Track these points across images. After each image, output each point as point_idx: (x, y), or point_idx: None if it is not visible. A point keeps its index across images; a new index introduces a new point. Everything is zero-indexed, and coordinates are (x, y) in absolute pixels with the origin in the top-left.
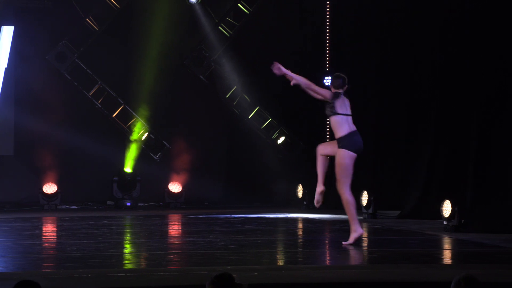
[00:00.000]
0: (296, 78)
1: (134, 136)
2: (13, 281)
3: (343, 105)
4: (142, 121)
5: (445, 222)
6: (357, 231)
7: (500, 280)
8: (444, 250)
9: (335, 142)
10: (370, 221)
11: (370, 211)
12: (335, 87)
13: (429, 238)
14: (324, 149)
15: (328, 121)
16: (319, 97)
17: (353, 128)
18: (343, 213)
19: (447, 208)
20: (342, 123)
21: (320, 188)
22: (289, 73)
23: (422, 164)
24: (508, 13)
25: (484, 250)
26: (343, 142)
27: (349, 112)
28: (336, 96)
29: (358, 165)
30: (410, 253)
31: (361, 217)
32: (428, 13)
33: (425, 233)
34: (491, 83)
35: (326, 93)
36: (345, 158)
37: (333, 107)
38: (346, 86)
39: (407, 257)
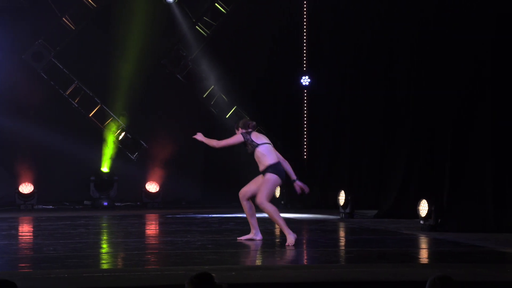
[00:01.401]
0: (209, 143)
1: (111, 135)
2: None
3: (259, 137)
4: (119, 120)
5: (422, 222)
6: (291, 234)
7: (476, 279)
8: (421, 250)
9: (257, 178)
10: (347, 220)
11: (347, 210)
12: (243, 127)
13: (406, 237)
14: (247, 190)
15: (305, 120)
16: (235, 143)
17: (280, 157)
18: (322, 212)
19: (423, 208)
20: (268, 151)
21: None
22: (204, 140)
23: (399, 163)
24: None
25: (460, 249)
26: (271, 169)
27: (268, 140)
28: (247, 133)
29: (335, 164)
30: (387, 252)
31: (338, 217)
32: (405, 11)
33: (402, 233)
34: (468, 83)
35: (237, 137)
36: (271, 178)
37: (251, 142)
38: (254, 129)
39: (384, 257)
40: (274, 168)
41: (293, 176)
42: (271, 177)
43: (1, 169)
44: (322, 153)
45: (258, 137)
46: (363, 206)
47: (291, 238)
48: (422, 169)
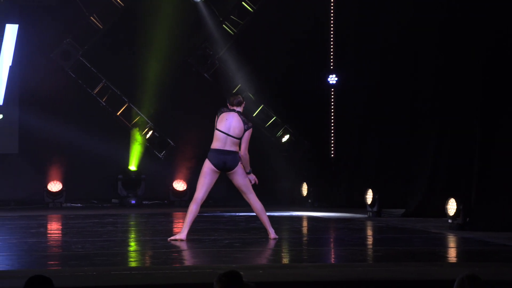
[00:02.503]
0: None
1: (138, 134)
2: (19, 279)
3: (224, 120)
4: (147, 119)
5: (450, 220)
6: (183, 234)
7: (504, 278)
8: (449, 249)
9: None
10: (374, 219)
11: (374, 209)
12: (230, 104)
13: (434, 236)
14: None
15: (333, 119)
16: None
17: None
18: (348, 211)
19: (452, 206)
20: (216, 138)
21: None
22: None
23: (426, 162)
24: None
25: (489, 248)
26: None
27: (230, 127)
28: (220, 111)
29: (362, 163)
30: (415, 251)
31: (365, 215)
32: (430, 9)
33: (429, 231)
34: (496, 81)
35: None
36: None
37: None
38: (238, 105)
39: (411, 255)
40: (210, 153)
41: (247, 169)
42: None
43: (30, 167)
44: (349, 152)
45: (222, 121)
46: (390, 204)
47: (181, 235)
48: (449, 168)
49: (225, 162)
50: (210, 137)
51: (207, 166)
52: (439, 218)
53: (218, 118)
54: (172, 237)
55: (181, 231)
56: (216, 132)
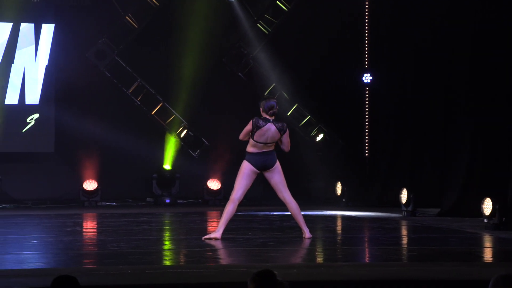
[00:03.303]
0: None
1: (173, 133)
2: (54, 277)
3: (261, 135)
4: (181, 118)
5: (485, 220)
6: (218, 233)
7: None
8: (485, 248)
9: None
10: (409, 218)
11: (409, 208)
12: (265, 112)
13: (469, 236)
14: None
15: (367, 118)
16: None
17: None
18: (383, 210)
19: (487, 206)
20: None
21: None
22: None
23: (461, 161)
24: None
25: None
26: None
27: (266, 141)
28: (255, 124)
29: (397, 162)
30: (450, 251)
31: (400, 215)
32: (465, 8)
33: (465, 231)
34: None
35: (246, 128)
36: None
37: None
38: (274, 110)
39: (447, 255)
40: (248, 156)
41: None
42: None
43: (66, 166)
44: (384, 151)
45: (261, 135)
46: (425, 204)
47: (216, 234)
48: (485, 166)
49: (265, 162)
50: None
51: (247, 167)
52: (474, 217)
53: (256, 130)
54: (207, 236)
55: (216, 230)
56: (254, 142)
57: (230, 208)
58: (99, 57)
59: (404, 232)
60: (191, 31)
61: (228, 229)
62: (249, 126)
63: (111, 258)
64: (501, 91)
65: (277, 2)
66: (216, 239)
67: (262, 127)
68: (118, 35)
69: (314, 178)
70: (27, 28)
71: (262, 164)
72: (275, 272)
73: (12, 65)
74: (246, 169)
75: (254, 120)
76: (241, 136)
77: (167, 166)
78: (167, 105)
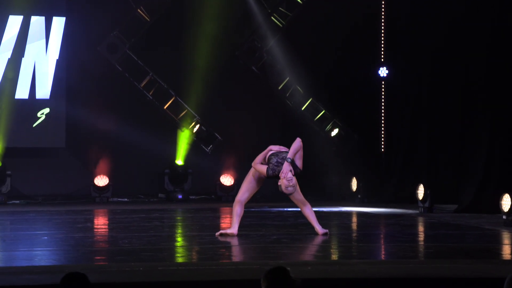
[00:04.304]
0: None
1: (186, 128)
2: (64, 274)
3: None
4: (194, 112)
5: (504, 217)
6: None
7: None
8: (503, 245)
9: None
10: (426, 215)
11: (426, 204)
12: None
13: (488, 232)
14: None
15: (383, 113)
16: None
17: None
18: (399, 207)
19: (506, 202)
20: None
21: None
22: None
23: (479, 156)
24: None
25: None
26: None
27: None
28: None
29: (413, 157)
30: (468, 248)
31: (416, 211)
32: (483, 4)
33: (483, 228)
34: None
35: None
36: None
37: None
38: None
39: (464, 252)
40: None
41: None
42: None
43: (77, 162)
44: (400, 146)
45: (272, 160)
46: (442, 200)
47: (232, 230)
48: (504, 162)
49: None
50: (258, 131)
51: (256, 173)
52: (493, 214)
53: (267, 155)
54: (223, 231)
55: (231, 226)
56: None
57: (237, 210)
58: (110, 51)
59: (420, 228)
60: (204, 24)
61: (241, 226)
62: (262, 169)
63: (122, 255)
64: None
65: None
66: (233, 235)
67: (274, 160)
68: (130, 28)
69: (329, 173)
70: (37, 21)
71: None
72: (288, 269)
73: (23, 59)
74: (256, 174)
75: (269, 173)
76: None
77: (179, 161)
78: (180, 100)
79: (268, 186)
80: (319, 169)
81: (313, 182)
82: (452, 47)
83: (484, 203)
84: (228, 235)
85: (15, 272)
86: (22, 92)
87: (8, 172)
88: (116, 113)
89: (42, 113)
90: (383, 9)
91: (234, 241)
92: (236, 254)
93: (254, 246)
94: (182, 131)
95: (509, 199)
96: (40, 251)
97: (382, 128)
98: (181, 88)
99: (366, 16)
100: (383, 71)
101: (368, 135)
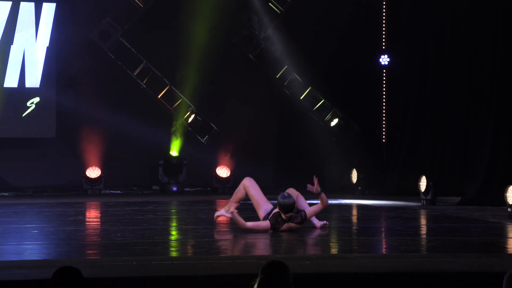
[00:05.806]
0: (238, 222)
1: (180, 118)
2: (56, 268)
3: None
4: (189, 102)
5: (509, 209)
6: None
7: None
8: (508, 239)
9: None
10: (429, 207)
11: (429, 197)
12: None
13: (492, 226)
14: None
15: (384, 102)
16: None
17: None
18: (401, 199)
19: (511, 195)
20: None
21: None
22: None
23: (484, 148)
24: None
25: None
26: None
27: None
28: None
29: (416, 149)
30: (472, 241)
31: (419, 204)
32: None
33: (487, 221)
34: None
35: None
36: None
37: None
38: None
39: (468, 246)
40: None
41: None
42: None
43: (68, 152)
44: (402, 137)
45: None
46: (445, 192)
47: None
48: (508, 154)
49: None
50: (255, 121)
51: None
52: (497, 206)
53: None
54: (219, 213)
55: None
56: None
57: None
58: (102, 38)
59: (423, 221)
60: (199, 10)
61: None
62: (265, 225)
63: (115, 248)
64: None
65: None
66: (232, 212)
67: (281, 227)
68: (123, 14)
69: (329, 165)
70: (27, 7)
71: None
72: (285, 263)
73: (12, 46)
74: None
75: (272, 222)
76: (249, 225)
77: (174, 152)
78: (174, 89)
79: (266, 177)
80: (318, 160)
81: (312, 174)
82: (456, 34)
83: (488, 196)
84: (226, 216)
85: (4, 266)
86: (11, 81)
87: None
88: (109, 102)
89: (32, 102)
90: None
91: (231, 235)
92: (233, 248)
93: (251, 240)
94: (177, 121)
95: None
96: (30, 245)
97: (384, 118)
98: (175, 77)
99: (367, 2)
100: (384, 59)
101: (369, 125)
